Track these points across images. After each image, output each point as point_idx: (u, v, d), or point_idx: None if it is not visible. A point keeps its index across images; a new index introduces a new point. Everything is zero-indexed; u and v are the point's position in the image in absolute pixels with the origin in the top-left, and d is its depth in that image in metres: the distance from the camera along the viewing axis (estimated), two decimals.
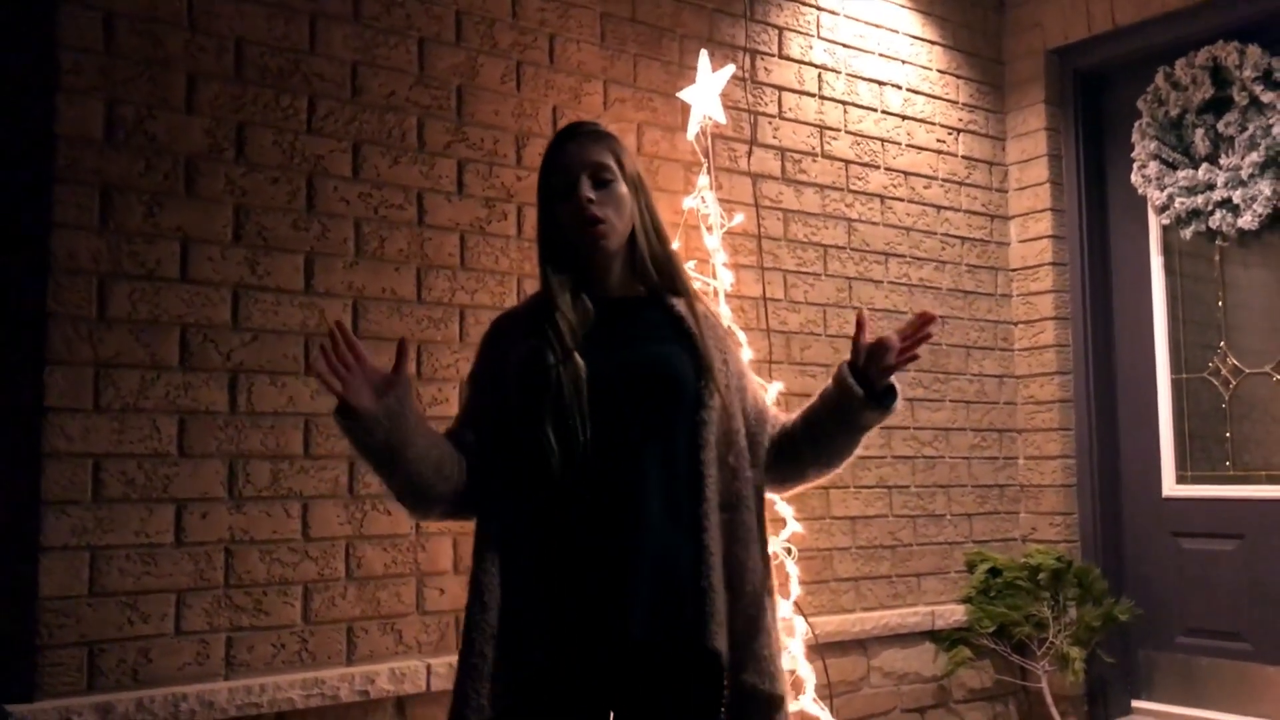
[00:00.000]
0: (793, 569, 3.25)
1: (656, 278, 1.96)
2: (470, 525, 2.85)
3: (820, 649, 3.44)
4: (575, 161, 1.89)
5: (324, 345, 1.70)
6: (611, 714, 1.84)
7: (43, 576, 2.45)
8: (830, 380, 1.90)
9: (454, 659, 2.85)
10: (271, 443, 2.74)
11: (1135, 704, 4.20)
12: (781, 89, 3.82)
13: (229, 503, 2.68)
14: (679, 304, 1.95)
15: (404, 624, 2.89)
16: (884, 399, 1.86)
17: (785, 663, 3.13)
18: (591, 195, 1.87)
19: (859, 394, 1.84)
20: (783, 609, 3.19)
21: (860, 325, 1.86)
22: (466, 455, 1.85)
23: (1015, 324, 4.40)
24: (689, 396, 1.86)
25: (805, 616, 3.33)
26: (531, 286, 3.14)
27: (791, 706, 3.14)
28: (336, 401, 1.70)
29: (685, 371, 1.87)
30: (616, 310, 1.92)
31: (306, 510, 2.78)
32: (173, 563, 2.59)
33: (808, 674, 3.17)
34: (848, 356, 1.88)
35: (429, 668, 2.86)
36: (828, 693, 3.44)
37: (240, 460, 2.70)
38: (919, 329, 1.83)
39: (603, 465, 1.77)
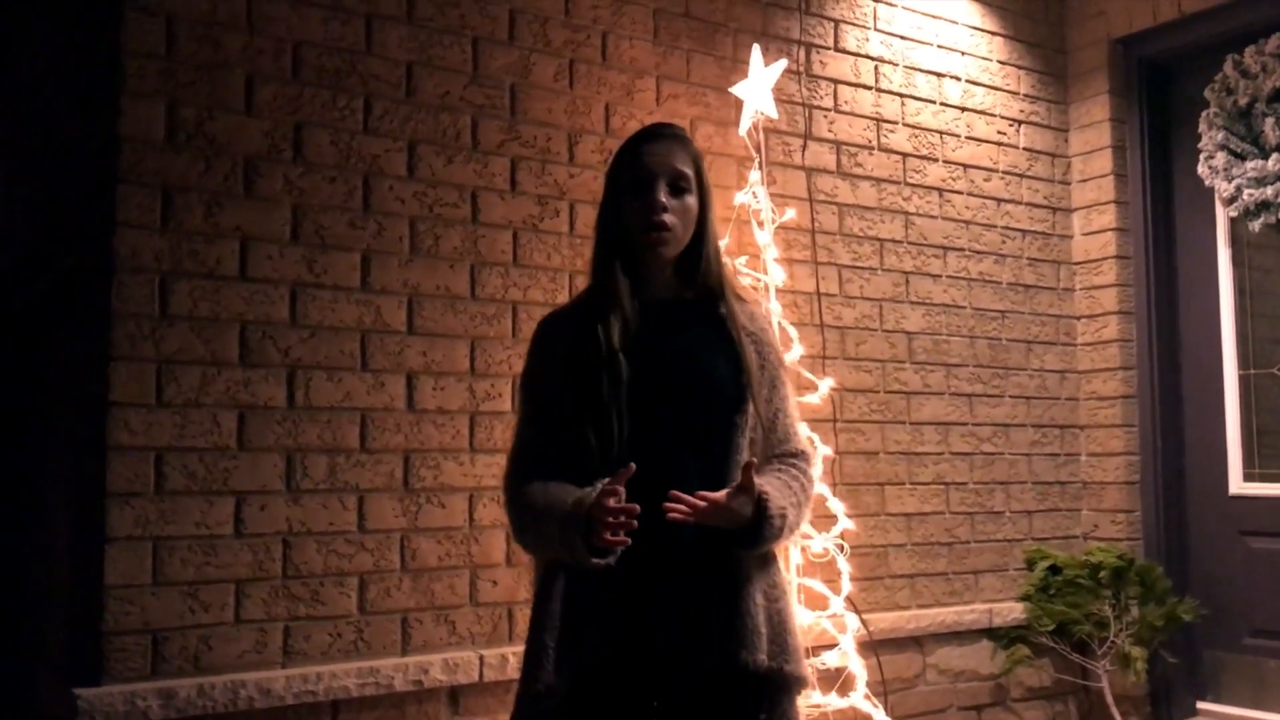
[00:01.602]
0: (844, 565, 3.24)
1: (707, 285, 1.98)
2: None
3: (874, 646, 3.42)
4: (658, 164, 1.92)
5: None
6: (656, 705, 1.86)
7: (108, 566, 2.52)
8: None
9: (506, 650, 2.94)
10: (328, 437, 2.80)
11: (1200, 705, 4.12)
12: (837, 82, 3.80)
13: (287, 495, 2.74)
14: (724, 311, 1.97)
15: (457, 615, 2.94)
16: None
17: (835, 658, 3.15)
18: (667, 202, 1.89)
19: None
20: (834, 605, 3.19)
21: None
22: (548, 463, 1.89)
23: (1078, 318, 4.33)
24: (727, 403, 1.89)
25: (859, 613, 3.31)
26: (583, 283, 3.18)
27: (842, 703, 3.14)
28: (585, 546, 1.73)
29: (725, 378, 1.90)
30: (663, 313, 1.94)
31: (362, 503, 2.83)
32: (232, 553, 2.66)
33: (859, 670, 3.16)
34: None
35: (482, 659, 2.91)
36: (882, 689, 3.43)
37: (298, 454, 2.76)
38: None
39: (642, 466, 1.79)
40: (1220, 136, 4.03)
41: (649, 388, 1.84)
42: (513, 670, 2.93)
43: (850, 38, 3.85)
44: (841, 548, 3.27)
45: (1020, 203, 4.23)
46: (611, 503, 1.68)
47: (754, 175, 3.34)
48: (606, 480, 1.72)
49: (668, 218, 1.89)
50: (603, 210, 1.99)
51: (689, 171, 1.94)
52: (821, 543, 3.21)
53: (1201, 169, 4.09)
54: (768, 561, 1.90)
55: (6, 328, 3.98)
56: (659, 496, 1.78)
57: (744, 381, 1.91)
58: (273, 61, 2.80)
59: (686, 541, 1.82)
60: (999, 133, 4.19)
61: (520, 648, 2.90)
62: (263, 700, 2.62)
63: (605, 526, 1.68)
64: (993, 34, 4.22)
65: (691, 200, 1.94)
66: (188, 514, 2.62)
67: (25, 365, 3.81)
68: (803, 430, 2.07)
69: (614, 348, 1.84)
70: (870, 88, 3.88)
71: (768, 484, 1.84)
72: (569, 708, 1.80)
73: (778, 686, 1.84)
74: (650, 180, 1.91)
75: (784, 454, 1.99)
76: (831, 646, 3.19)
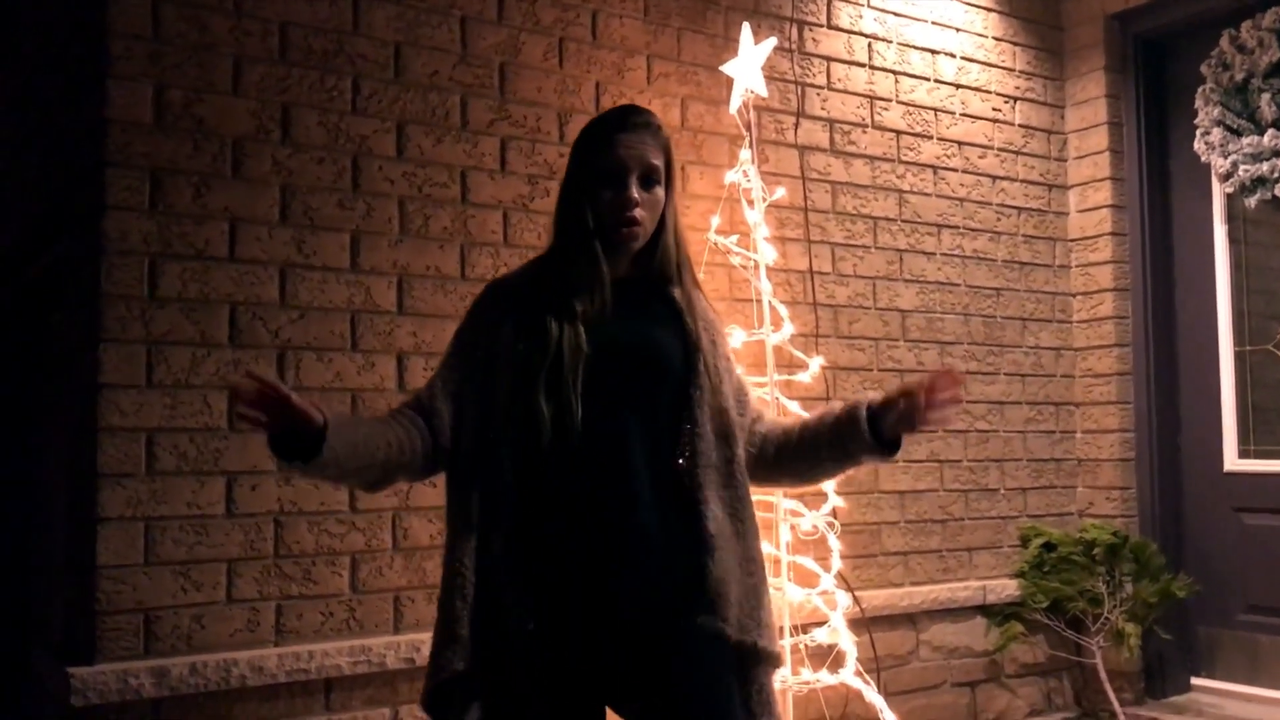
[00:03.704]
0: (834, 543, 3.25)
1: (663, 268, 1.97)
2: None
3: (867, 623, 3.44)
4: (630, 156, 1.89)
5: (242, 398, 1.62)
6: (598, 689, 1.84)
7: (100, 546, 2.55)
8: (843, 408, 1.91)
9: None
10: None
11: (1195, 681, 4.14)
12: (830, 59, 3.79)
13: (278, 475, 2.75)
14: (676, 293, 1.98)
15: None
16: (889, 448, 1.89)
17: (825, 635, 3.16)
18: (638, 196, 1.88)
19: (867, 440, 1.87)
20: (825, 581, 3.20)
21: (908, 394, 1.84)
22: (434, 425, 1.84)
23: (1073, 295, 4.33)
24: (674, 376, 1.90)
25: (850, 590, 3.33)
26: None
27: (832, 679, 3.16)
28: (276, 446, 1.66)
29: (672, 351, 1.91)
30: (617, 291, 1.92)
31: None
32: (224, 533, 2.68)
33: (850, 647, 3.17)
34: (867, 396, 1.90)
35: None
36: (875, 666, 3.44)
37: None
38: (947, 389, 1.83)
39: (589, 439, 1.79)
40: (1216, 112, 4.01)
41: (601, 363, 1.83)
42: None
43: (843, 15, 3.83)
44: (832, 525, 3.27)
45: (1015, 180, 4.22)
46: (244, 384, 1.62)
47: (745, 154, 3.33)
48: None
49: (639, 213, 1.88)
50: (570, 192, 1.95)
51: (659, 164, 1.91)
52: (811, 520, 3.22)
53: (1198, 145, 4.07)
54: (745, 535, 1.91)
55: (3, 312, 4.00)
56: (608, 470, 1.79)
57: (694, 358, 1.92)
58: (260, 42, 2.81)
59: (644, 516, 1.81)
60: (994, 109, 4.18)
61: None
62: (255, 679, 2.64)
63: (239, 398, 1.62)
64: (988, 10, 4.20)
65: (660, 192, 1.92)
66: (179, 494, 2.63)
67: (23, 349, 3.83)
68: (764, 410, 2.08)
69: (577, 326, 1.83)
70: (864, 65, 3.86)
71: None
72: (495, 686, 1.77)
73: (751, 661, 1.85)
74: (623, 173, 1.88)
75: (787, 427, 2.01)
76: (822, 623, 3.21)
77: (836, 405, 1.93)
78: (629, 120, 1.94)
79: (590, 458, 1.79)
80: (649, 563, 1.80)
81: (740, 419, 1.96)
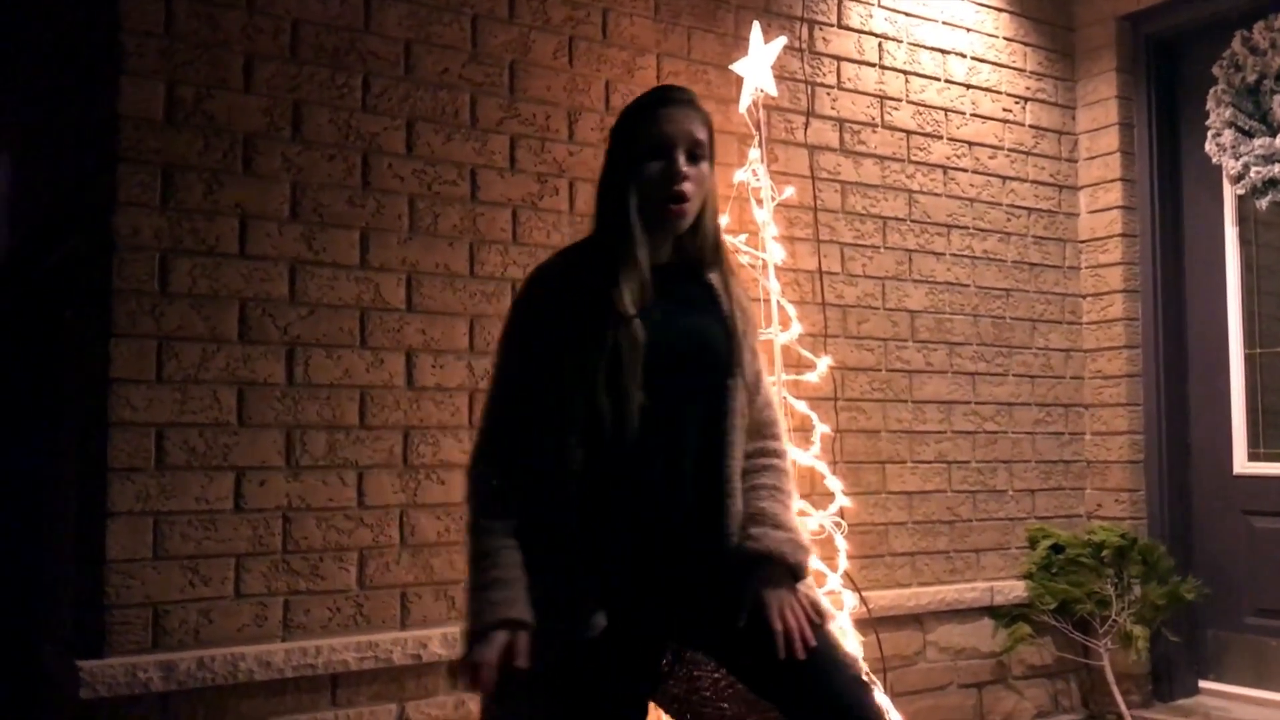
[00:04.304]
0: (841, 543, 3.25)
1: (701, 252, 1.97)
2: None
3: (874, 623, 3.44)
4: (676, 130, 1.87)
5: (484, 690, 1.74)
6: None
7: (110, 540, 2.56)
8: (754, 549, 1.90)
9: None
10: (328, 413, 2.82)
11: (1203, 684, 4.13)
12: (840, 59, 3.79)
13: (286, 471, 2.77)
14: (714, 278, 1.98)
15: (457, 590, 2.96)
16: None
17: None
18: (686, 170, 1.87)
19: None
20: (831, 582, 3.20)
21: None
22: (517, 442, 1.86)
23: (1083, 297, 4.32)
24: (722, 368, 1.92)
25: (857, 590, 3.33)
26: None
27: None
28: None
29: (719, 342, 1.93)
30: (660, 277, 1.92)
31: (362, 479, 2.86)
32: (232, 528, 2.69)
33: (856, 648, 3.17)
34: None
35: None
36: (881, 666, 3.44)
37: (297, 430, 2.78)
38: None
39: (647, 428, 1.82)
40: (1228, 114, 4.00)
41: (655, 356, 1.84)
42: None
43: (854, 14, 3.83)
44: (839, 525, 3.28)
45: (1026, 180, 4.21)
46: (485, 676, 1.72)
47: (754, 153, 3.33)
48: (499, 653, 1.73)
49: (688, 186, 1.87)
50: (613, 171, 1.93)
51: (704, 138, 1.90)
52: (819, 520, 3.22)
53: (1209, 146, 4.06)
54: (781, 492, 1.96)
55: (18, 307, 4.02)
56: (663, 458, 1.84)
57: (734, 346, 1.94)
58: (272, 40, 2.82)
59: (687, 504, 1.87)
60: (1004, 110, 4.17)
61: None
62: (262, 673, 2.65)
63: (469, 676, 1.74)
64: (999, 10, 4.19)
65: (705, 168, 1.91)
66: (188, 489, 2.65)
67: (34, 345, 3.85)
68: (773, 399, 2.09)
69: (630, 312, 1.82)
70: (874, 65, 3.86)
71: (770, 536, 1.89)
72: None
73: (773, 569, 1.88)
74: (670, 148, 1.86)
75: (764, 449, 2.01)
76: None
77: (758, 540, 1.90)
78: (672, 96, 1.94)
79: (647, 448, 1.82)
80: (689, 539, 1.88)
81: (752, 404, 2.00)
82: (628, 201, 1.88)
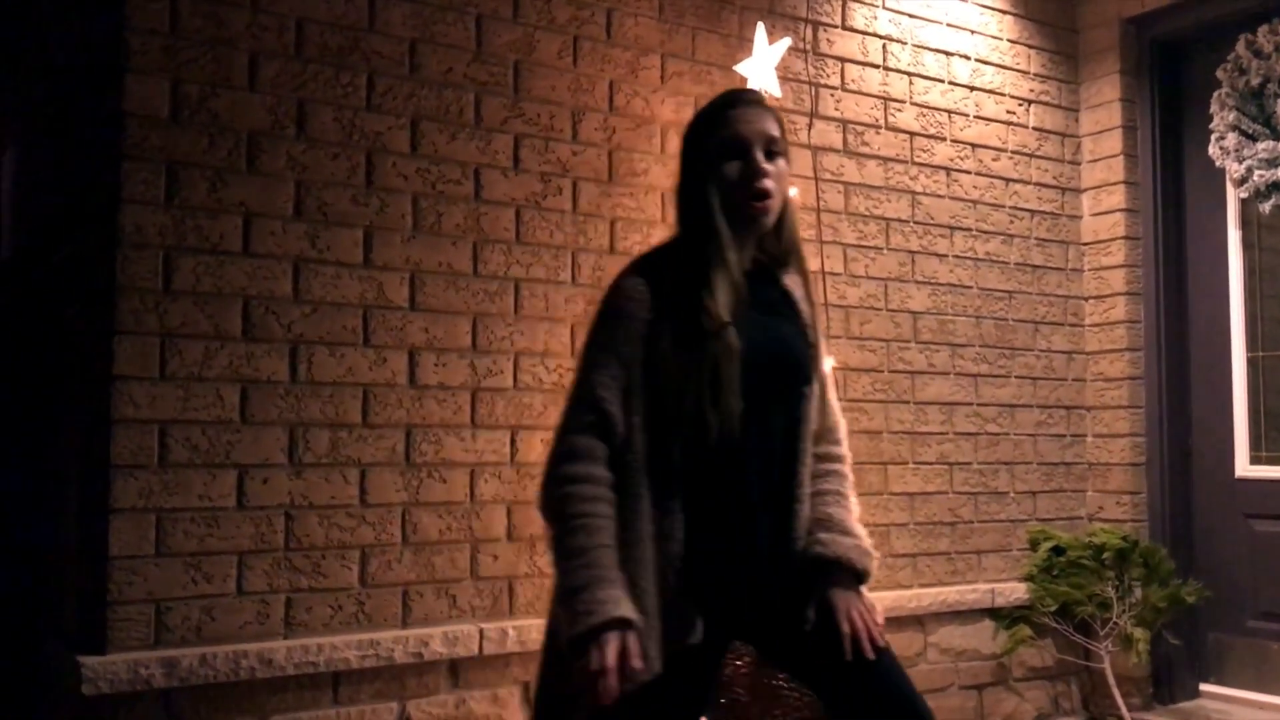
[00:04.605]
0: None
1: (781, 253, 2.00)
2: (522, 493, 2.93)
3: None
4: (751, 129, 1.89)
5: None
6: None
7: (112, 537, 2.56)
8: (823, 556, 1.93)
9: (507, 624, 2.96)
10: (330, 411, 2.83)
11: (1203, 687, 4.13)
12: (844, 60, 3.79)
13: (289, 469, 2.77)
14: (791, 282, 2.01)
15: (458, 589, 2.97)
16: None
17: None
18: (766, 167, 1.88)
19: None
20: None
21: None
22: (613, 440, 1.83)
23: (1086, 299, 4.32)
24: (803, 376, 1.97)
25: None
26: (586, 260, 3.19)
27: None
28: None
29: (803, 354, 1.97)
30: (745, 282, 1.93)
31: (364, 477, 2.86)
32: (235, 526, 2.70)
33: None
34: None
35: (482, 632, 2.94)
36: None
37: (300, 428, 2.79)
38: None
39: (742, 435, 1.84)
40: (1232, 117, 4.00)
41: (748, 365, 1.85)
42: (513, 644, 2.97)
43: (858, 16, 3.83)
44: None
45: (1029, 182, 4.21)
46: (609, 684, 1.69)
47: None
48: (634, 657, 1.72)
49: (769, 183, 1.88)
50: (692, 177, 1.94)
51: (778, 135, 1.92)
52: None
53: (1213, 150, 4.06)
54: (845, 498, 2.00)
55: (21, 304, 4.03)
56: (755, 464, 1.87)
57: (812, 354, 1.97)
58: (276, 38, 2.82)
59: (769, 505, 1.91)
60: (1008, 112, 4.17)
61: (522, 621, 2.96)
62: (264, 670, 2.66)
63: (587, 680, 1.69)
64: (1003, 12, 4.19)
65: (783, 163, 1.93)
66: (191, 486, 2.65)
67: (38, 342, 3.85)
68: (836, 404, 2.11)
69: (725, 321, 1.83)
70: (878, 66, 3.86)
71: (839, 542, 1.93)
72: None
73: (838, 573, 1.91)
74: (747, 147, 1.88)
75: (829, 454, 2.05)
76: None
77: (827, 545, 1.94)
78: (741, 97, 1.98)
79: (743, 452, 1.86)
80: (762, 541, 1.91)
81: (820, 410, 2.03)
82: (711, 204, 1.89)
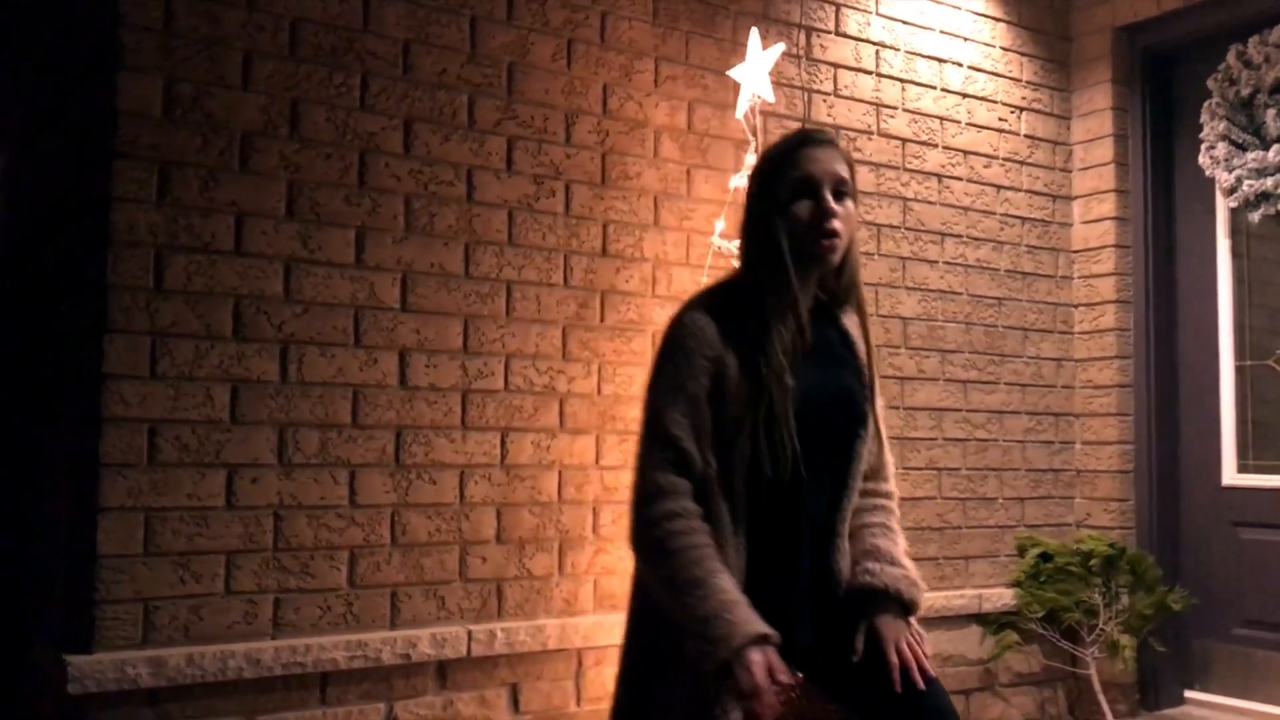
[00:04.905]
0: None
1: (842, 291, 2.03)
2: (511, 495, 2.93)
3: None
4: (821, 170, 1.93)
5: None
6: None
7: (101, 535, 2.56)
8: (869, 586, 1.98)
9: (495, 625, 2.97)
10: (320, 412, 2.82)
11: (1189, 694, 4.14)
12: (837, 66, 3.80)
13: (279, 469, 2.77)
14: (849, 322, 2.05)
15: (446, 590, 2.97)
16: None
17: None
18: (835, 208, 1.92)
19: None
20: None
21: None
22: (694, 476, 1.87)
23: (1075, 306, 4.33)
24: (859, 419, 2.00)
25: None
26: (578, 263, 3.20)
27: None
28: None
29: (857, 394, 2.00)
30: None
31: (353, 478, 2.86)
32: (224, 525, 2.69)
33: None
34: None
35: (470, 634, 2.94)
36: None
37: (290, 428, 2.78)
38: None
39: (795, 473, 1.88)
40: (1222, 127, 4.02)
41: (807, 407, 1.90)
42: (501, 646, 2.97)
43: (851, 22, 3.84)
44: None
45: (1020, 190, 4.22)
46: (767, 703, 1.73)
47: (750, 158, 3.34)
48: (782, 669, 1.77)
49: (838, 224, 1.92)
50: (761, 212, 1.97)
51: (847, 176, 1.96)
52: None
53: (1203, 159, 4.08)
54: (893, 531, 2.06)
55: (12, 302, 4.01)
56: (799, 498, 1.91)
57: (868, 397, 2.00)
58: (271, 38, 2.82)
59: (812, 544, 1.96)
60: (1000, 119, 4.19)
61: (510, 623, 2.96)
62: (251, 670, 2.65)
63: (758, 700, 1.73)
64: (996, 20, 4.21)
65: (851, 205, 1.96)
66: (180, 485, 2.65)
67: (30, 339, 3.84)
68: (885, 442, 2.14)
69: (782, 364, 1.87)
70: (871, 72, 3.87)
71: (887, 572, 1.98)
72: None
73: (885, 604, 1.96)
74: (817, 186, 1.92)
75: (877, 490, 2.09)
76: None
77: (876, 575, 1.98)
78: (813, 137, 1.99)
79: (794, 488, 1.90)
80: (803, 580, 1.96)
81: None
82: (780, 243, 1.92)
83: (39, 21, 3.61)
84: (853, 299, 2.04)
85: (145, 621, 2.59)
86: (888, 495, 2.10)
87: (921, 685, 1.88)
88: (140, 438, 2.61)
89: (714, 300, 1.96)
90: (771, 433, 1.84)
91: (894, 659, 1.88)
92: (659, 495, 1.83)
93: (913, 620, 1.97)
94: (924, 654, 1.92)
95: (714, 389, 1.86)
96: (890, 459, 2.14)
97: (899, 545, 2.03)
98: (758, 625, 1.75)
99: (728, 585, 1.78)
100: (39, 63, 3.63)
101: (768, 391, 1.84)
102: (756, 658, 1.72)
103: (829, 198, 1.91)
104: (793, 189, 1.93)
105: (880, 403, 2.08)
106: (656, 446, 1.86)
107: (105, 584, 2.56)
